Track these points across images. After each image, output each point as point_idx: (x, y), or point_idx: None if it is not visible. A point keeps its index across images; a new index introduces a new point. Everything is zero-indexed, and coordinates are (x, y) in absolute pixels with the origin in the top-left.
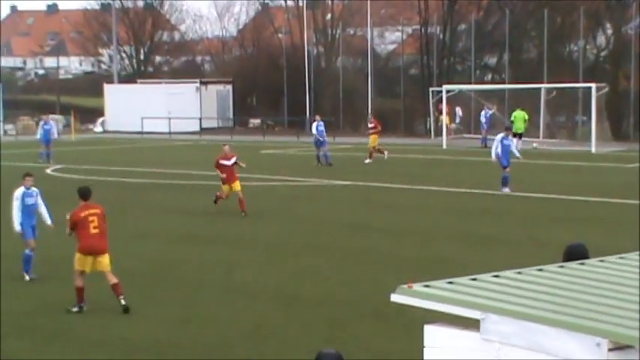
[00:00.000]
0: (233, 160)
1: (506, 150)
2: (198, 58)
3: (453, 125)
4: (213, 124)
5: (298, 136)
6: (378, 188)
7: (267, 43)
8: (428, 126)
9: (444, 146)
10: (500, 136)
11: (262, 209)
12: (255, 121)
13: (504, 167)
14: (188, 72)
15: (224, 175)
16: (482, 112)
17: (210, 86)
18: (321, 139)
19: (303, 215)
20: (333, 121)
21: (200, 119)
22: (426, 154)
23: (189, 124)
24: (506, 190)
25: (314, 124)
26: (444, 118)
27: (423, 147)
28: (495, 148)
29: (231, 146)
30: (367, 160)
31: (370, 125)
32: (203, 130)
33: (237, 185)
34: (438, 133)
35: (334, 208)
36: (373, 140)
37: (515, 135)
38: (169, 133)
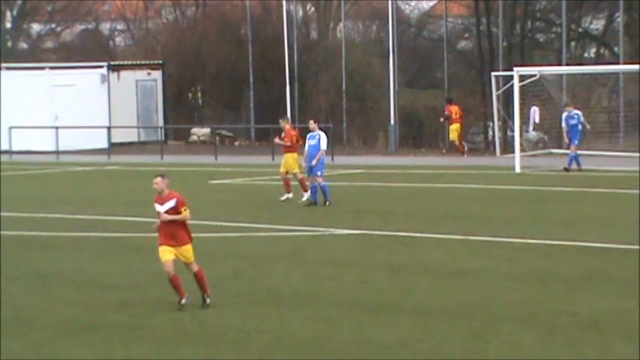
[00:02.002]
0: (169, 204)
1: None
2: (105, 27)
3: (532, 134)
4: (131, 136)
5: (274, 156)
6: (401, 240)
7: (221, 1)
8: (490, 135)
9: (517, 169)
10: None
11: (223, 283)
12: (201, 132)
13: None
14: (87, 50)
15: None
16: (564, 115)
17: (124, 73)
18: (314, 162)
19: (289, 301)
20: (330, 128)
21: (108, 129)
22: (489, 181)
23: (89, 136)
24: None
25: (309, 137)
26: (516, 122)
27: (484, 170)
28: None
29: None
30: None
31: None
32: (113, 147)
33: (185, 251)
34: (506, 147)
35: (338, 283)
36: (453, 132)
37: None
38: (56, 152)
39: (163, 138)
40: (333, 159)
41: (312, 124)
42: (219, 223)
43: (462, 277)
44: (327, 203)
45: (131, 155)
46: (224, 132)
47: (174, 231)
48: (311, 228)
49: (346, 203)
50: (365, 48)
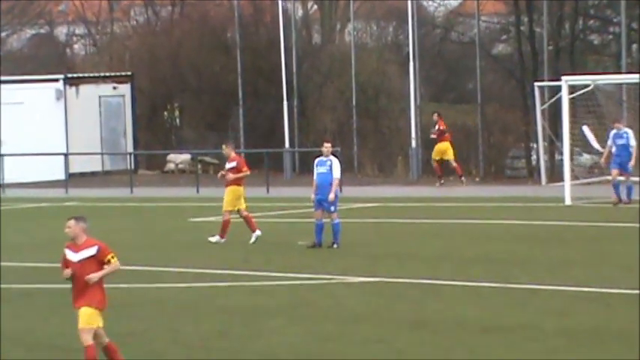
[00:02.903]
0: (87, 253)
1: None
2: (61, 31)
3: (585, 158)
4: (94, 164)
5: (268, 187)
6: (426, 290)
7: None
8: (533, 159)
9: (568, 201)
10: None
11: (208, 344)
12: (179, 158)
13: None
14: (39, 59)
15: None
16: (611, 133)
17: (85, 88)
18: (332, 195)
19: None
20: (338, 153)
21: (65, 156)
22: (532, 216)
23: (42, 166)
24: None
25: (317, 163)
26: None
27: (526, 202)
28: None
29: (129, 210)
30: (438, 184)
31: (438, 128)
32: (72, 179)
33: (84, 314)
34: (554, 173)
35: (347, 343)
36: (440, 151)
37: None
38: (0, 185)
39: (133, 166)
40: (341, 190)
41: (326, 148)
42: (202, 270)
43: (501, 334)
44: (335, 246)
45: (94, 188)
46: (207, 158)
47: (86, 288)
48: (314, 275)
49: (358, 244)
50: (380, 54)
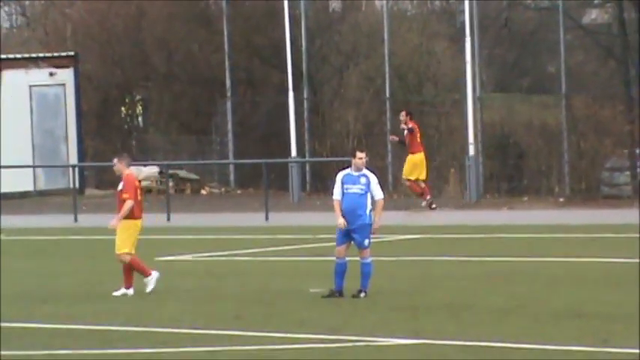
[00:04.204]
0: None
1: None
2: None
3: None
4: (23, 182)
5: (268, 213)
6: (486, 354)
7: None
8: None
9: None
10: None
11: None
12: (143, 173)
13: None
14: None
15: None
16: None
17: (10, 73)
18: (376, 226)
19: None
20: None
21: None
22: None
23: None
24: None
25: (342, 178)
26: None
27: (631, 233)
28: None
29: (72, 246)
30: (425, 203)
31: (405, 127)
32: None
33: None
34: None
35: None
36: (413, 164)
37: None
38: None
39: (78, 185)
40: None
41: (360, 158)
42: (175, 330)
43: None
44: (363, 295)
45: (23, 215)
46: (182, 173)
47: None
48: (332, 336)
49: (394, 292)
50: (423, 26)
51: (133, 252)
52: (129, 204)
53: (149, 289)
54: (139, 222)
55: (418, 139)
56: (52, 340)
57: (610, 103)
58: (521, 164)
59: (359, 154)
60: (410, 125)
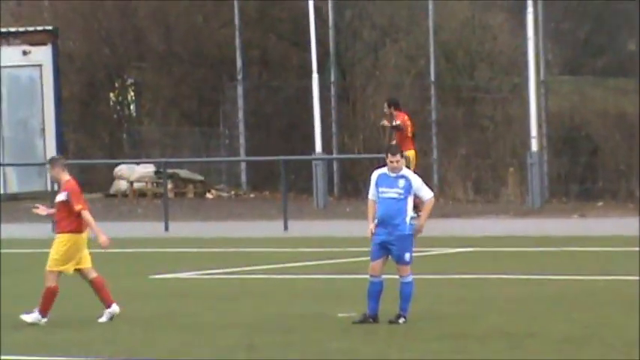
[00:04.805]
0: None
1: None
2: None
3: None
4: None
5: (287, 222)
6: None
7: None
8: None
9: None
10: None
11: None
12: (135, 173)
13: None
14: None
15: None
16: None
17: None
18: (419, 230)
19: None
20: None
21: None
22: None
23: None
24: None
25: (376, 179)
26: None
27: None
28: None
29: None
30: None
31: (395, 124)
32: None
33: None
34: None
35: None
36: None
37: None
38: None
39: (50, 187)
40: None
41: (391, 162)
42: None
43: None
44: (402, 321)
45: None
46: (183, 173)
47: None
48: None
49: (440, 317)
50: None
51: (71, 271)
52: (87, 215)
53: (102, 320)
54: (82, 236)
55: (409, 135)
56: None
57: None
58: (595, 162)
59: (390, 157)
60: (397, 122)
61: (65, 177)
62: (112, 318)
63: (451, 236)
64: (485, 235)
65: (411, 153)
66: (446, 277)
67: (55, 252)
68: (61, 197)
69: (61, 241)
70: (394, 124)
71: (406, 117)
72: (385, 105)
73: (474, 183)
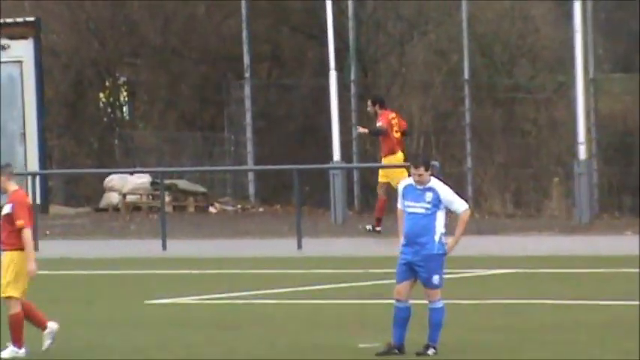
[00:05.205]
0: None
1: None
2: None
3: None
4: None
5: (301, 240)
6: None
7: None
8: None
9: None
10: None
11: None
12: (129, 184)
13: None
14: None
15: None
16: None
17: None
18: (451, 246)
19: None
20: (436, 169)
21: None
22: None
23: None
24: None
25: (403, 191)
26: None
27: None
28: None
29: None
30: (369, 226)
31: (377, 127)
32: None
33: None
34: None
35: None
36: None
37: None
38: None
39: (39, 199)
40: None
41: (417, 167)
42: None
43: None
44: (432, 352)
45: None
46: (183, 183)
47: None
48: None
49: (476, 348)
50: None
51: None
52: (28, 234)
53: (46, 345)
54: (23, 253)
55: (395, 135)
56: None
57: None
58: None
59: (413, 170)
60: (378, 124)
61: (12, 187)
62: (54, 337)
63: (487, 256)
64: (526, 254)
65: (396, 158)
66: (481, 303)
67: (5, 275)
68: (6, 210)
69: (8, 261)
70: (376, 129)
71: (392, 115)
72: (369, 103)
73: (513, 195)
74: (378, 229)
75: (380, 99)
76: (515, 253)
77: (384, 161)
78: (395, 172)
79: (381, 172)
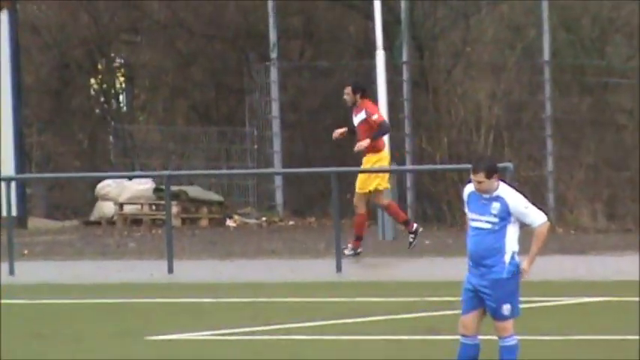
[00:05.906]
0: None
1: None
2: None
3: None
4: None
5: (340, 260)
6: None
7: None
8: None
9: None
10: None
11: None
12: (126, 192)
13: None
14: None
15: None
16: None
17: None
18: (527, 271)
19: None
20: (510, 172)
21: None
22: None
23: None
24: None
25: (469, 200)
26: None
27: None
28: None
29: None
30: (348, 251)
31: (375, 117)
32: None
33: None
34: None
35: None
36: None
37: None
38: None
39: (16, 211)
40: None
41: (476, 173)
42: None
43: None
44: None
45: None
46: (193, 190)
47: None
48: None
49: None
50: None
51: None
52: None
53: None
54: (378, 157)
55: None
56: None
57: None
58: None
59: (472, 175)
60: (375, 116)
61: None
62: None
63: (574, 280)
64: (622, 278)
65: (383, 154)
66: (565, 339)
67: None
68: None
69: None
70: (380, 128)
71: (375, 109)
72: (348, 90)
73: (605, 205)
74: (359, 250)
75: (361, 87)
76: (609, 276)
77: (365, 161)
78: (376, 176)
79: (359, 179)
